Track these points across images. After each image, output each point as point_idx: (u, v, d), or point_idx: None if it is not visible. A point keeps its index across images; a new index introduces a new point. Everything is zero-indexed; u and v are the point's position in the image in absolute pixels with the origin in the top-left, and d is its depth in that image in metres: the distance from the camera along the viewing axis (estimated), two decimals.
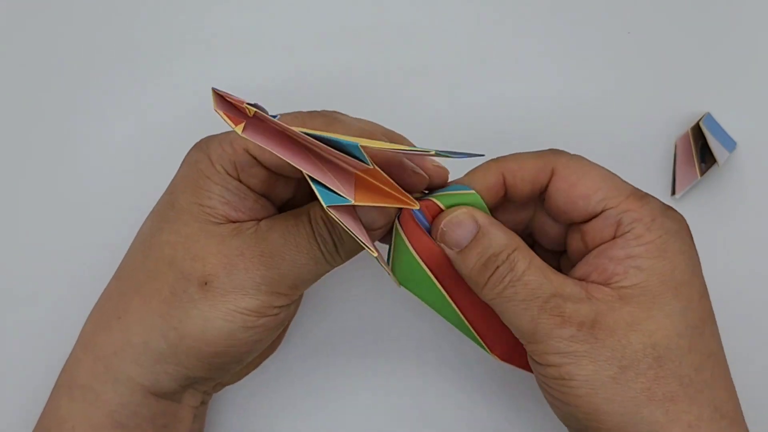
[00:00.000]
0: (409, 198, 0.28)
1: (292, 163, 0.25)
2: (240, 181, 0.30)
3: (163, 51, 0.41)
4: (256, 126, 0.25)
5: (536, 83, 0.41)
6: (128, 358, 0.30)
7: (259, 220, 0.30)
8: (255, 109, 0.24)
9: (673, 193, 0.40)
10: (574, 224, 0.31)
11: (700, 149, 0.40)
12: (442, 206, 0.30)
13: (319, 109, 0.32)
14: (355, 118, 0.32)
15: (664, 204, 0.29)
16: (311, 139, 0.25)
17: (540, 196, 0.31)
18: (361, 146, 0.25)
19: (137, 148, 0.40)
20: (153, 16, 0.42)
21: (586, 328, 0.27)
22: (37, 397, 0.34)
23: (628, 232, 0.28)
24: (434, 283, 0.31)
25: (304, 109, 0.31)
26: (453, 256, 0.30)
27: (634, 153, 0.41)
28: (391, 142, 0.31)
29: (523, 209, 0.33)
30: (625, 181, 0.30)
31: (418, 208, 0.28)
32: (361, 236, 0.27)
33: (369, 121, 0.32)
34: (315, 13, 0.42)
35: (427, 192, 0.31)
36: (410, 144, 0.33)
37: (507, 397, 0.39)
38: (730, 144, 0.40)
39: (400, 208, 0.30)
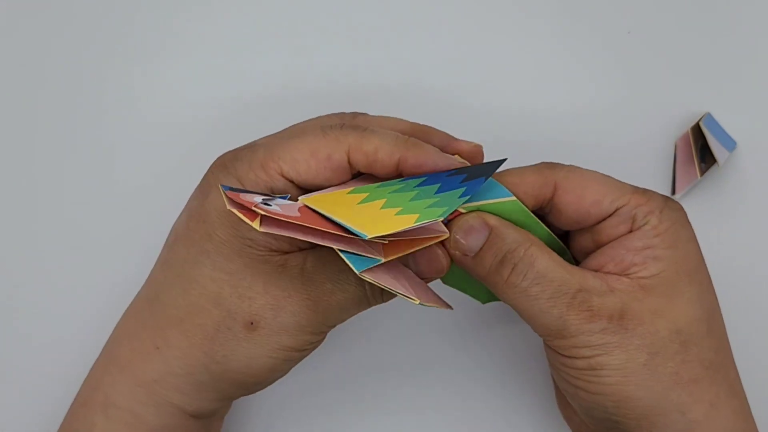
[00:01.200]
0: (436, 232, 0.27)
1: (316, 242, 0.26)
2: None
3: (170, 51, 0.41)
4: (270, 219, 0.25)
5: (536, 83, 0.41)
6: (170, 387, 0.30)
7: (303, 249, 0.30)
8: (264, 212, 0.25)
9: (673, 192, 0.40)
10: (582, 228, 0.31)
11: (700, 149, 0.40)
12: (461, 209, 0.30)
13: (336, 112, 0.32)
14: (382, 118, 0.32)
15: (663, 195, 0.30)
16: (327, 229, 0.26)
17: (542, 210, 0.31)
18: (370, 238, 0.25)
19: (153, 152, 0.40)
20: (160, 17, 0.42)
21: (615, 320, 0.28)
22: (54, 410, 0.34)
23: (645, 224, 0.29)
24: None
25: (312, 108, 0.31)
26: (468, 262, 0.30)
27: (634, 153, 0.41)
28: (418, 135, 0.31)
29: None
30: (621, 181, 0.31)
31: (448, 235, 0.28)
32: (402, 288, 0.27)
33: (395, 119, 0.32)
34: (323, 12, 0.42)
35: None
36: (439, 133, 0.32)
37: (520, 412, 0.39)
38: (730, 144, 0.40)
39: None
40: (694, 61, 0.42)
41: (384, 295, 0.30)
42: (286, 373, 0.32)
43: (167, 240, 0.32)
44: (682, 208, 0.30)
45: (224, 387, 0.30)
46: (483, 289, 0.34)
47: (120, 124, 0.41)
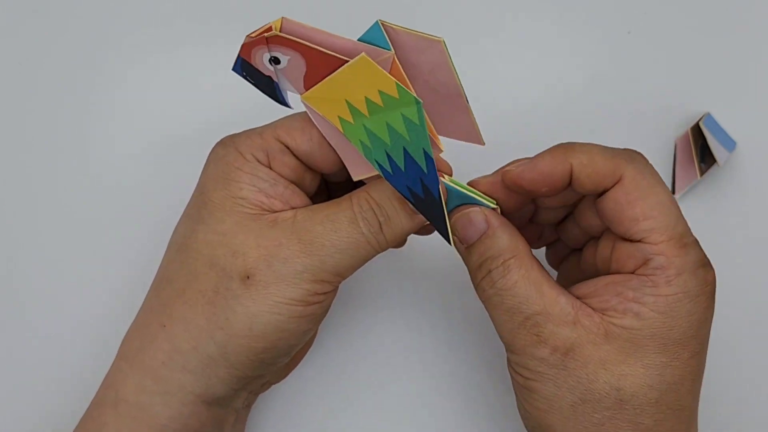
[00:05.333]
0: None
1: (329, 52, 0.26)
2: (270, 169, 0.30)
3: (174, 48, 0.41)
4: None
5: (536, 83, 0.41)
6: (178, 367, 0.29)
7: (295, 208, 0.30)
8: (281, 21, 0.25)
9: (673, 192, 0.40)
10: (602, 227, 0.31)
11: (700, 149, 0.40)
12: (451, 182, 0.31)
13: None
14: None
15: (701, 259, 0.28)
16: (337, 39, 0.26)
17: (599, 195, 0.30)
18: (381, 22, 0.26)
19: (158, 156, 0.40)
20: (158, 11, 0.42)
21: (559, 354, 0.28)
22: (73, 411, 0.33)
23: (648, 276, 0.28)
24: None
25: None
26: (462, 252, 0.30)
27: None
28: None
29: (566, 201, 0.32)
30: (681, 218, 0.29)
31: (421, 102, 0.27)
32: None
33: None
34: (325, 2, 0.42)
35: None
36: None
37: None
38: (730, 144, 0.40)
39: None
40: (694, 61, 0.42)
41: (385, 233, 0.29)
42: (299, 343, 0.30)
43: None
44: (710, 282, 0.28)
45: (233, 359, 0.29)
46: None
47: (121, 124, 0.41)
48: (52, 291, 0.39)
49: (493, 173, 0.31)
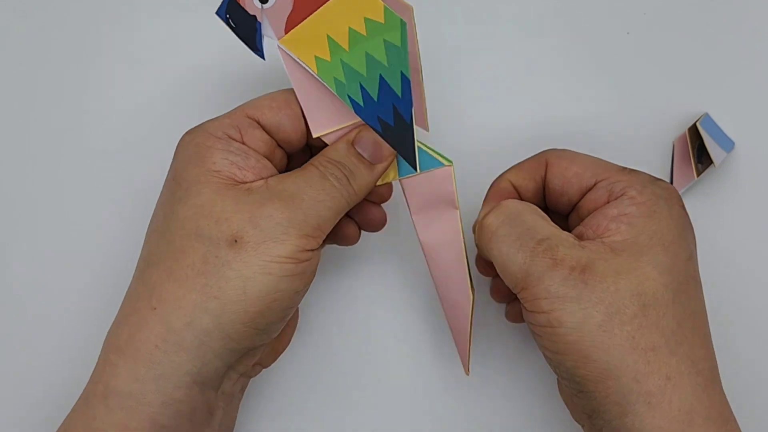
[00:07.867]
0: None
1: None
2: (243, 143, 0.31)
3: (163, 40, 0.42)
4: None
5: (534, 83, 0.41)
6: (172, 347, 0.29)
7: (263, 177, 0.31)
8: None
9: None
10: (572, 207, 0.33)
11: (697, 150, 0.40)
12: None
13: None
14: None
15: (652, 176, 0.31)
16: None
17: (543, 192, 0.34)
18: None
19: (156, 149, 0.40)
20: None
21: (577, 272, 0.28)
22: (60, 406, 0.33)
23: (622, 195, 0.30)
24: None
25: None
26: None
27: (632, 153, 0.41)
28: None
29: None
30: (611, 163, 0.32)
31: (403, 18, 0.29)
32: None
33: None
34: None
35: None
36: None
37: (521, 402, 0.39)
38: (728, 144, 0.40)
39: None
40: (693, 61, 0.42)
41: (353, 185, 0.31)
42: (291, 306, 0.31)
43: None
44: (671, 189, 0.31)
45: (228, 328, 0.29)
46: None
47: (111, 123, 0.41)
48: (40, 277, 0.39)
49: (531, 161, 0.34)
